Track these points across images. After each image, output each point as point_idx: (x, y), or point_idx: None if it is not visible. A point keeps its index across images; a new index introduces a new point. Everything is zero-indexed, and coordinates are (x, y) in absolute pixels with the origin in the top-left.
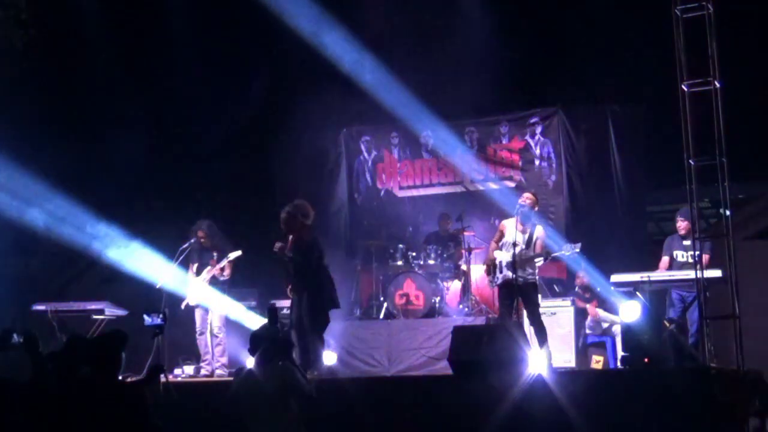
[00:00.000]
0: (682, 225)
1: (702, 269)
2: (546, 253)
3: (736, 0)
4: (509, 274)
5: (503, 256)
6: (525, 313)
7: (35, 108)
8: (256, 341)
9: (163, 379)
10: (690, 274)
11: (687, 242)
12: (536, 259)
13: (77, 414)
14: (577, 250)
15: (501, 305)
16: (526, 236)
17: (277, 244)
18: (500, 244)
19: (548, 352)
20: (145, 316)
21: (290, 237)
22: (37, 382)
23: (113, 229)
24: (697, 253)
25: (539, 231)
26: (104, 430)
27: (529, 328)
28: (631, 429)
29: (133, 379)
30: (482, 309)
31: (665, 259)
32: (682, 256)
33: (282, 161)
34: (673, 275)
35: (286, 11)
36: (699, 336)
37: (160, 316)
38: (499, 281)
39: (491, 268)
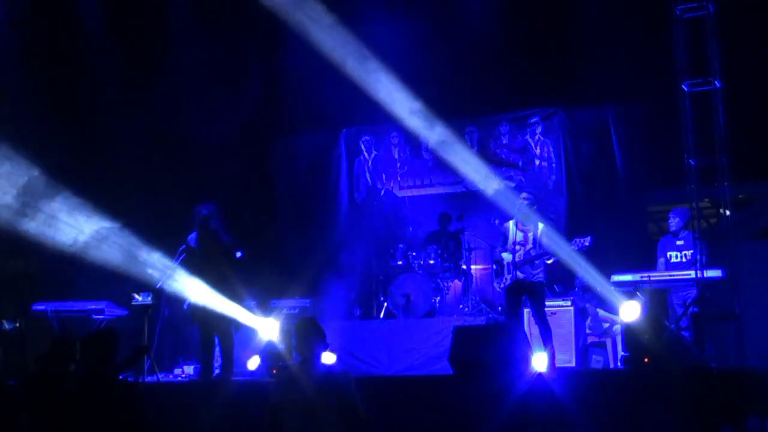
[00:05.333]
0: (673, 222)
1: (702, 269)
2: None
3: (736, 0)
4: (518, 273)
5: (510, 257)
6: (530, 312)
7: (34, 107)
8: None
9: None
10: (690, 273)
11: (680, 242)
12: (546, 257)
13: (69, 411)
14: (587, 244)
15: (508, 306)
16: (530, 235)
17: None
18: (506, 246)
19: (552, 351)
20: (134, 295)
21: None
22: None
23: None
24: (689, 252)
25: (542, 228)
26: (98, 427)
27: (529, 328)
28: (631, 429)
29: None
30: (482, 309)
31: (661, 261)
32: (676, 257)
33: (282, 161)
34: (673, 275)
35: (286, 10)
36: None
37: (150, 295)
38: (508, 282)
39: (499, 270)
